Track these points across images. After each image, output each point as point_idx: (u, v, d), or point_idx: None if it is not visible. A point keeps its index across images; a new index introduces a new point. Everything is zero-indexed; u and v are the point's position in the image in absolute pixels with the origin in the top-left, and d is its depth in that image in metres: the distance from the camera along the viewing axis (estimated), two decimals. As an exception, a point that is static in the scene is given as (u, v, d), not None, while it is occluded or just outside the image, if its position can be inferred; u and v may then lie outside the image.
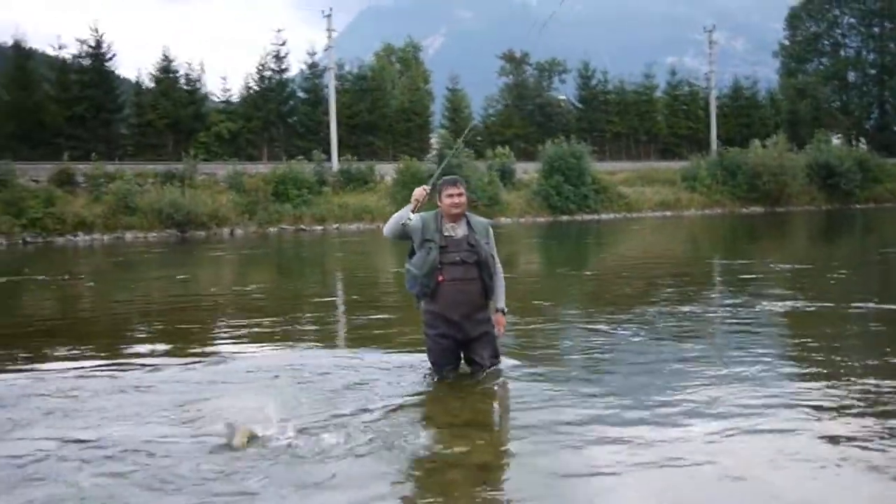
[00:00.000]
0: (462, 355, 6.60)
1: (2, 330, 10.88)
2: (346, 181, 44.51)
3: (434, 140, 55.98)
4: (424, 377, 6.66)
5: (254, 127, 51.81)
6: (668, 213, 48.77)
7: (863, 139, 75.51)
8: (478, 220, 6.63)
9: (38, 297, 15.35)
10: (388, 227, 6.49)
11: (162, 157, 46.76)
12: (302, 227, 39.51)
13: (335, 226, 40.01)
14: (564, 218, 45.07)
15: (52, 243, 32.82)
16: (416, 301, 6.58)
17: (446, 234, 6.39)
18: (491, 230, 6.64)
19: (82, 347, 8.95)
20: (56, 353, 8.61)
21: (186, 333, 9.95)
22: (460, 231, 6.43)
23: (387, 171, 46.16)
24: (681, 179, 52.99)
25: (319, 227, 39.62)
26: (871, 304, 10.61)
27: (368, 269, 19.89)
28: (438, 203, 6.52)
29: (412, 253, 6.52)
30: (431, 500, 4.20)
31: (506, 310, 6.66)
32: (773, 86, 74.64)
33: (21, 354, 8.57)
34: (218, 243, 31.84)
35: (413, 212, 6.39)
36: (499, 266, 6.58)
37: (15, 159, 37.94)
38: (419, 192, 6.44)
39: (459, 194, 6.40)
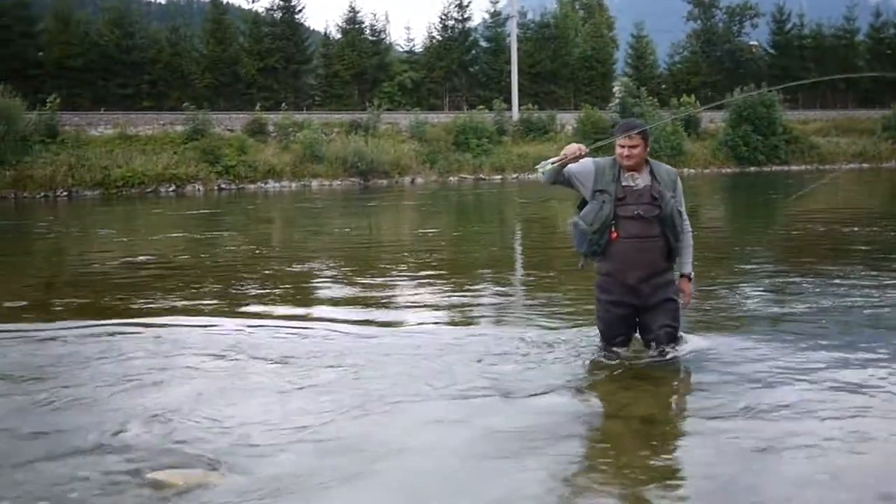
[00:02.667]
0: (637, 326, 5.73)
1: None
2: (526, 131, 44.30)
3: (617, 89, 54.80)
4: (593, 353, 5.91)
5: (436, 76, 52.24)
6: (866, 166, 45.95)
7: None
8: (664, 169, 5.67)
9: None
10: (542, 178, 5.61)
11: (347, 106, 48.01)
12: (481, 176, 39.70)
13: (514, 175, 39.94)
14: (752, 169, 43.30)
15: (244, 190, 34.40)
16: (582, 260, 5.71)
17: (624, 183, 5.45)
18: (679, 182, 5.66)
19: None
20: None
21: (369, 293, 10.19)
22: (642, 181, 5.48)
23: (567, 120, 45.64)
24: (881, 129, 49.67)
25: (498, 177, 39.70)
26: None
27: (546, 224, 19.81)
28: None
29: (582, 205, 5.62)
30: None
31: (692, 275, 5.75)
32: None
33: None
34: (400, 191, 32.53)
35: (553, 164, 5.42)
36: (687, 224, 5.66)
37: (211, 110, 40.01)
38: (572, 148, 5.42)
39: (632, 146, 5.42)
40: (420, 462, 4.11)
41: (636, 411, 4.79)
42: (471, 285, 9.81)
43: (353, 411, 4.82)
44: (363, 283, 10.07)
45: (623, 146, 5.43)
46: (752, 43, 63.27)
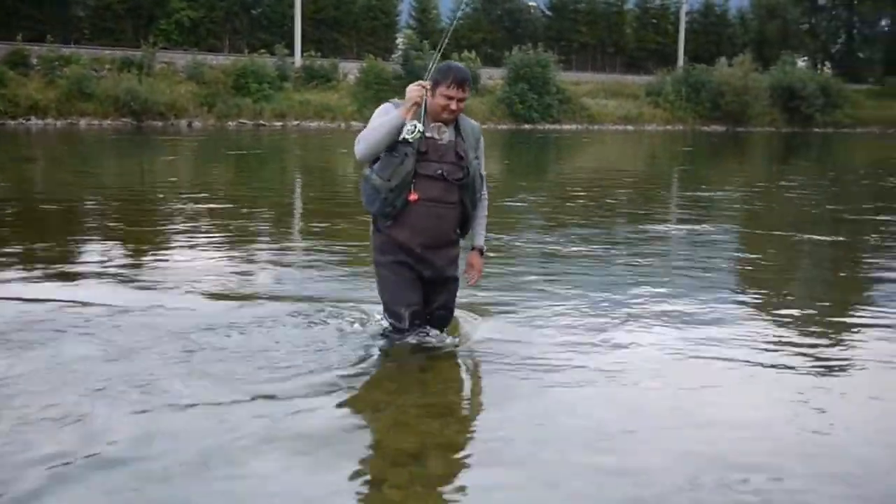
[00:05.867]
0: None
1: None
2: (309, 78, 43.76)
3: (400, 41, 55.04)
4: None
5: (216, 17, 50.38)
6: (630, 128, 48.81)
7: (828, 63, 75.37)
8: (469, 123, 4.86)
9: None
10: (369, 145, 4.57)
11: (120, 42, 45.48)
12: (261, 122, 38.94)
13: (295, 122, 39.47)
14: (526, 127, 44.91)
15: (4, 126, 32.05)
16: (372, 225, 4.85)
17: (428, 135, 4.60)
18: (482, 140, 4.89)
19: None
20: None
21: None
22: (447, 135, 4.68)
23: (350, 69, 45.45)
24: (645, 94, 52.92)
25: (279, 123, 39.08)
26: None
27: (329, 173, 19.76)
28: (429, 98, 4.64)
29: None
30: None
31: (484, 249, 5.01)
32: (744, 4, 74.11)
33: None
34: (175, 135, 31.36)
35: (409, 119, 4.52)
36: (485, 191, 4.90)
37: (-34, 38, 36.78)
38: (415, 90, 4.56)
39: (462, 99, 4.63)
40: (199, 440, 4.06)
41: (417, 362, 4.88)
42: (245, 246, 8.89)
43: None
44: (122, 242, 9.25)
45: (452, 98, 4.60)
46: (530, 3, 65.22)
